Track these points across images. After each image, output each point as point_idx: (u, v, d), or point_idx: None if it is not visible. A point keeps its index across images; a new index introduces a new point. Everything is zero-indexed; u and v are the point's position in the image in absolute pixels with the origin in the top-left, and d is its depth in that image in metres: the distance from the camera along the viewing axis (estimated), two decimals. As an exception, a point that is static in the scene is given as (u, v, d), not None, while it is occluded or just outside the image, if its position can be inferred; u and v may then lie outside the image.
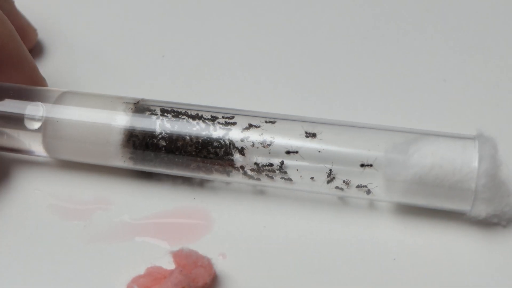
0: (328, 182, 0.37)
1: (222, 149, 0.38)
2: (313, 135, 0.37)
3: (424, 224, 0.38)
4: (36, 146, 0.40)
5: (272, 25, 0.51)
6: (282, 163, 0.37)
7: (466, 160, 0.35)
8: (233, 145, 0.38)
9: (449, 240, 0.37)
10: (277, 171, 0.38)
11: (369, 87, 0.46)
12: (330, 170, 0.37)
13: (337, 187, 0.37)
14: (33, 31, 0.49)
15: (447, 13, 0.51)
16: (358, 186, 0.37)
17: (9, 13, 0.44)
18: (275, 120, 0.38)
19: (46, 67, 0.48)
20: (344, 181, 0.37)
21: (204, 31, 0.51)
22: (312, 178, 0.37)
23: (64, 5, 0.53)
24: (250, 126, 0.38)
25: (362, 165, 0.37)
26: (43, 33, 0.50)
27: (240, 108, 0.40)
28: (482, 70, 0.46)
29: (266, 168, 0.38)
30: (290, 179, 0.38)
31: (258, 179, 0.38)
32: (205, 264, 0.35)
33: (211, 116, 0.39)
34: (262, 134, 0.38)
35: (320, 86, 0.46)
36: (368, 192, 0.37)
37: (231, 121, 0.39)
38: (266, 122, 0.38)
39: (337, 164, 0.37)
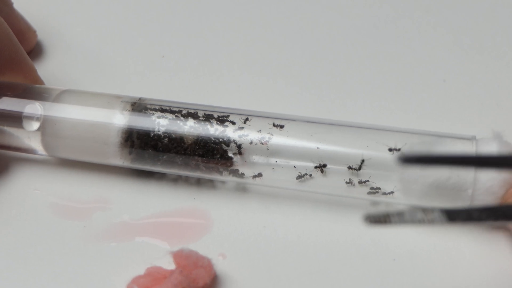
0: (359, 168, 0.37)
1: (221, 147, 0.38)
2: (281, 127, 0.38)
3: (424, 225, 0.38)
4: (34, 145, 0.40)
5: (272, 25, 0.51)
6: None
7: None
8: (231, 142, 0.38)
9: (449, 241, 0.37)
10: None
11: (369, 87, 0.46)
12: (363, 160, 0.37)
13: (347, 182, 0.37)
14: (33, 32, 0.48)
15: (447, 13, 0.51)
16: (372, 188, 0.37)
17: (7, 16, 0.44)
18: (276, 119, 0.38)
19: (46, 68, 0.48)
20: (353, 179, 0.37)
21: (204, 31, 0.51)
22: (310, 175, 0.37)
23: (63, 5, 0.53)
24: (246, 120, 0.38)
25: (390, 149, 0.36)
26: (42, 33, 0.50)
27: (239, 108, 0.40)
28: (482, 70, 0.46)
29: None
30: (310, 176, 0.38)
31: (259, 174, 0.38)
32: (205, 264, 0.35)
33: (208, 114, 0.39)
34: (260, 130, 0.38)
35: (320, 86, 0.46)
36: (377, 191, 0.37)
37: (229, 119, 0.39)
38: (274, 125, 0.38)
39: (337, 164, 0.37)
